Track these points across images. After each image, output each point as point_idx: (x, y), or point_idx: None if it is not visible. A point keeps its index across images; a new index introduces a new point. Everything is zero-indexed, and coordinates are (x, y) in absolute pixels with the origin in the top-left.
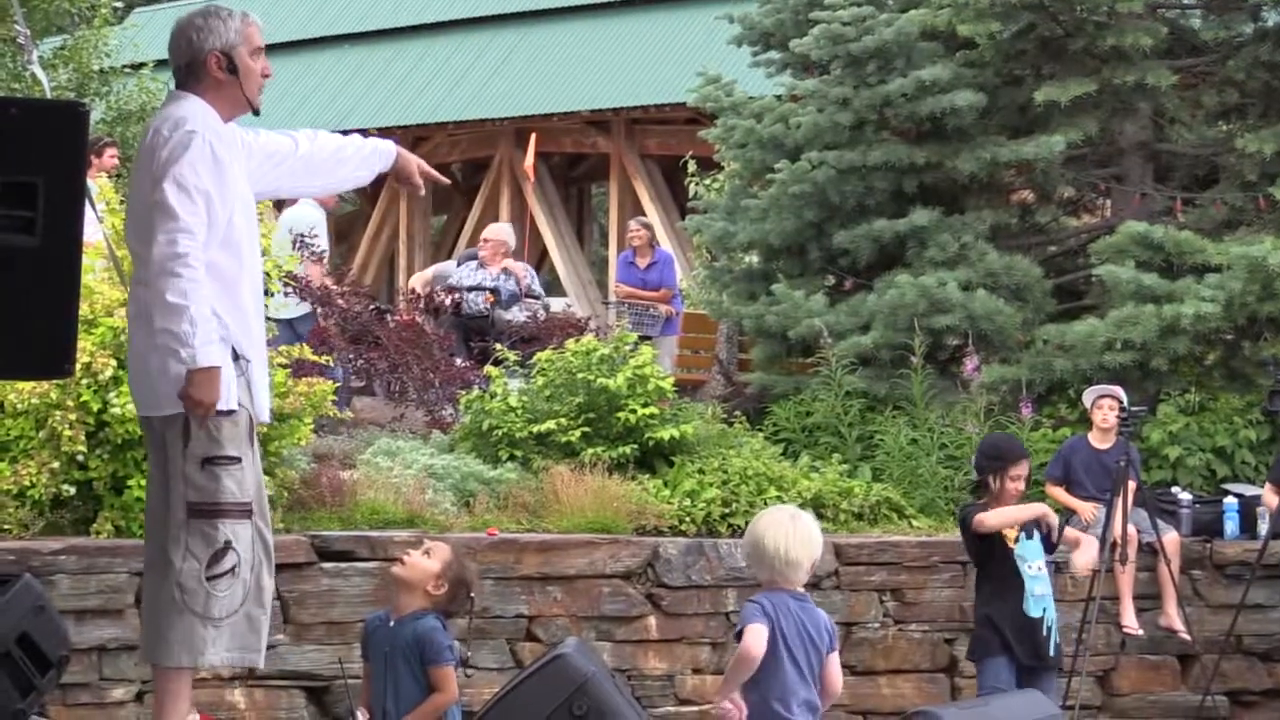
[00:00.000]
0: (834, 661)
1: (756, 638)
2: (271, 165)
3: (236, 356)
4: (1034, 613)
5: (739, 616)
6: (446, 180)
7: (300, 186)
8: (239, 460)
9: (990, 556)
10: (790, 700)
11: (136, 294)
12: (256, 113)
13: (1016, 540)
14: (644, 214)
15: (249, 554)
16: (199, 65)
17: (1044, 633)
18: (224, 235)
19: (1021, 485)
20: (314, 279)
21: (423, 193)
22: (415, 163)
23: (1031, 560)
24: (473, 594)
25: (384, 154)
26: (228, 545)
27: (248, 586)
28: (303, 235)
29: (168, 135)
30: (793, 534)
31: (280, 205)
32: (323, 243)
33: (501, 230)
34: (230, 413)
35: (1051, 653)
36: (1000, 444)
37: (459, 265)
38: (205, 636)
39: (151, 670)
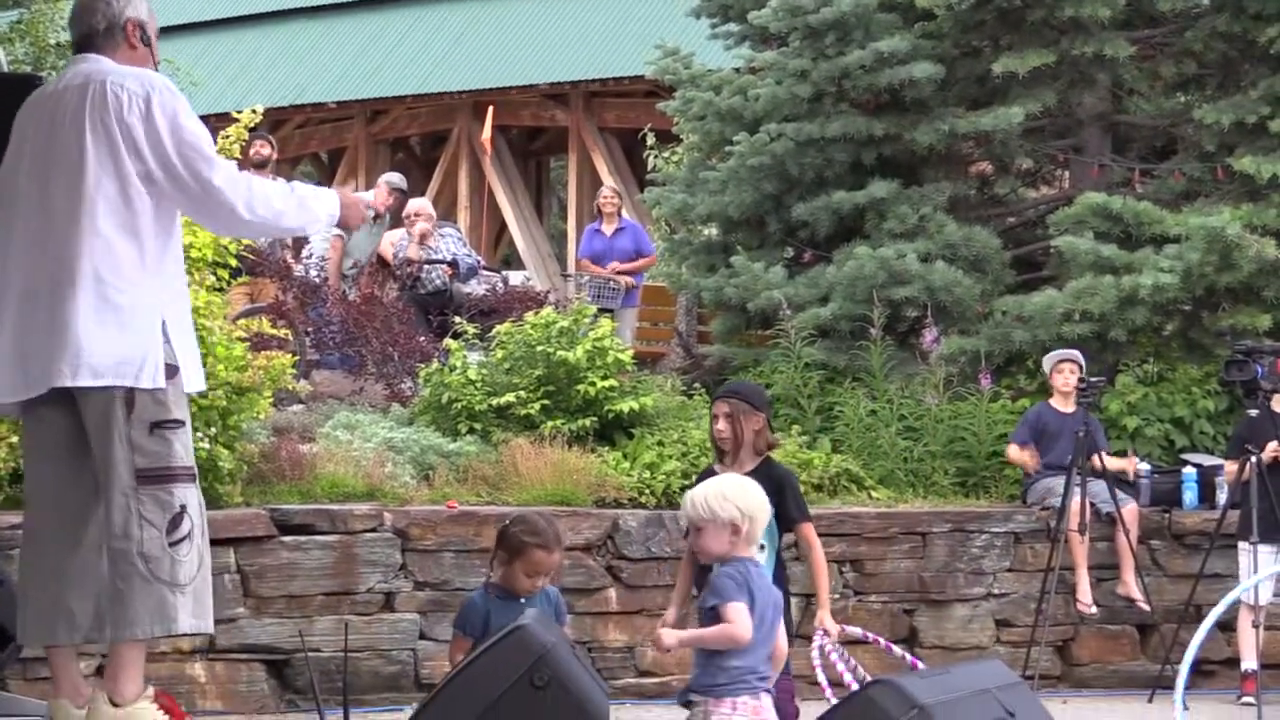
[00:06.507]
0: (782, 629)
1: (744, 619)
2: None
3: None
4: None
5: (711, 588)
6: None
7: None
8: (183, 424)
9: None
10: (761, 670)
11: (62, 261)
12: None
13: None
14: (602, 186)
15: (199, 519)
16: (116, 31)
17: None
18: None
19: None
20: None
21: None
22: None
23: None
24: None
25: None
26: (183, 510)
27: (201, 552)
28: None
29: (149, 89)
30: (754, 494)
31: None
32: None
33: (424, 204)
34: (173, 374)
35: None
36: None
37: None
38: (175, 604)
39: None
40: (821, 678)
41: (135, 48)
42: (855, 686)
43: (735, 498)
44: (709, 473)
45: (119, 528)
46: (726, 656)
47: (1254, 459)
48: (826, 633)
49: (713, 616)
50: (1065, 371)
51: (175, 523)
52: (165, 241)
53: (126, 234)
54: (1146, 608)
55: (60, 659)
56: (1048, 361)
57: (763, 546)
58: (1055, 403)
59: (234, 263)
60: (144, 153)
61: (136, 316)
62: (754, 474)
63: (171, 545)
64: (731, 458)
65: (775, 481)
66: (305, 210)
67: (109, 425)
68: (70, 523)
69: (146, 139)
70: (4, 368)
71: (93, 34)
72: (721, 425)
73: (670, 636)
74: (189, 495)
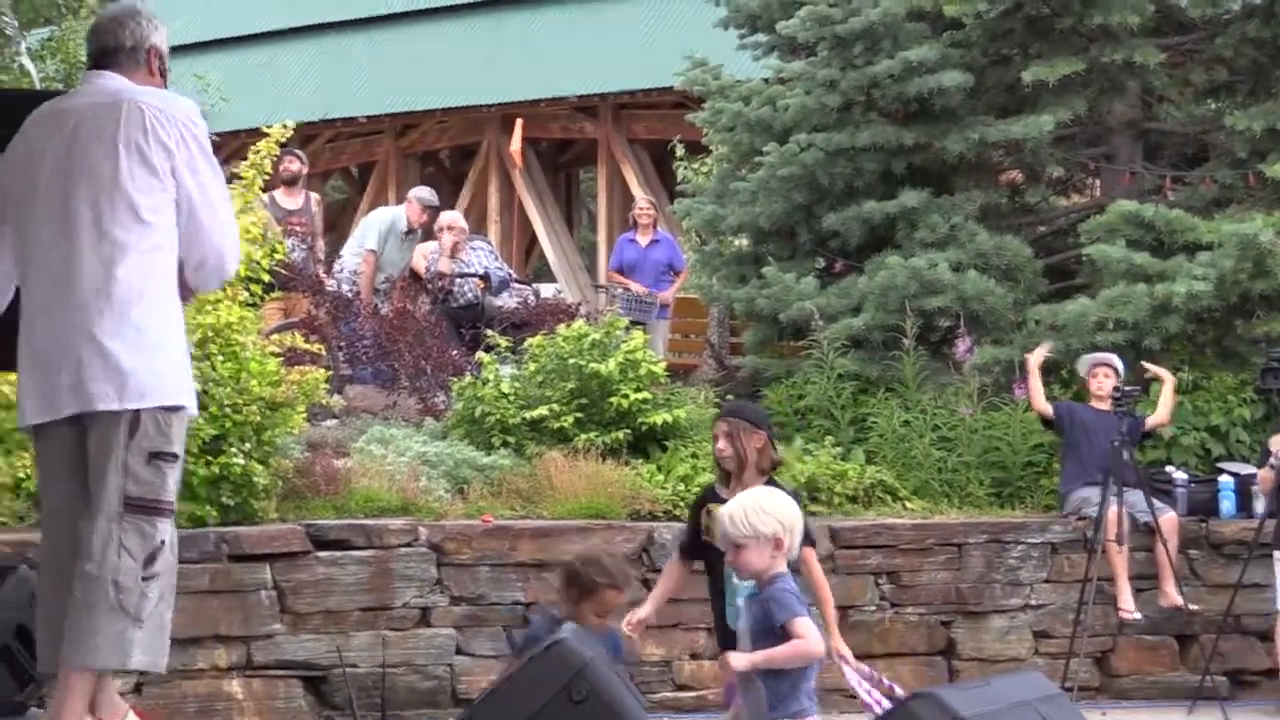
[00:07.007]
0: None
1: (815, 633)
2: None
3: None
4: (736, 625)
5: (776, 605)
6: None
7: None
8: (179, 459)
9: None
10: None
11: (95, 282)
12: None
13: None
14: (633, 199)
15: (173, 557)
16: (140, 52)
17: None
18: None
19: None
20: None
21: None
22: None
23: None
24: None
25: None
26: (162, 545)
27: (163, 590)
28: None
29: (189, 117)
30: (790, 505)
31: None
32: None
33: (456, 217)
34: (181, 409)
35: None
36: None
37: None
38: (132, 638)
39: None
40: (865, 696)
41: (153, 74)
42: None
43: (774, 510)
44: (710, 494)
45: (96, 552)
46: (803, 678)
47: None
48: (844, 658)
49: (781, 635)
50: (1100, 376)
51: (152, 558)
52: (175, 265)
53: (155, 254)
54: (1195, 607)
55: (74, 680)
56: (1083, 365)
57: None
58: (1093, 402)
59: (267, 278)
60: (181, 177)
61: (168, 338)
62: None
63: (144, 580)
64: (735, 478)
65: None
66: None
67: (109, 447)
68: (63, 547)
69: (187, 165)
70: (29, 388)
71: (117, 49)
72: (722, 445)
73: (740, 660)
74: (169, 532)
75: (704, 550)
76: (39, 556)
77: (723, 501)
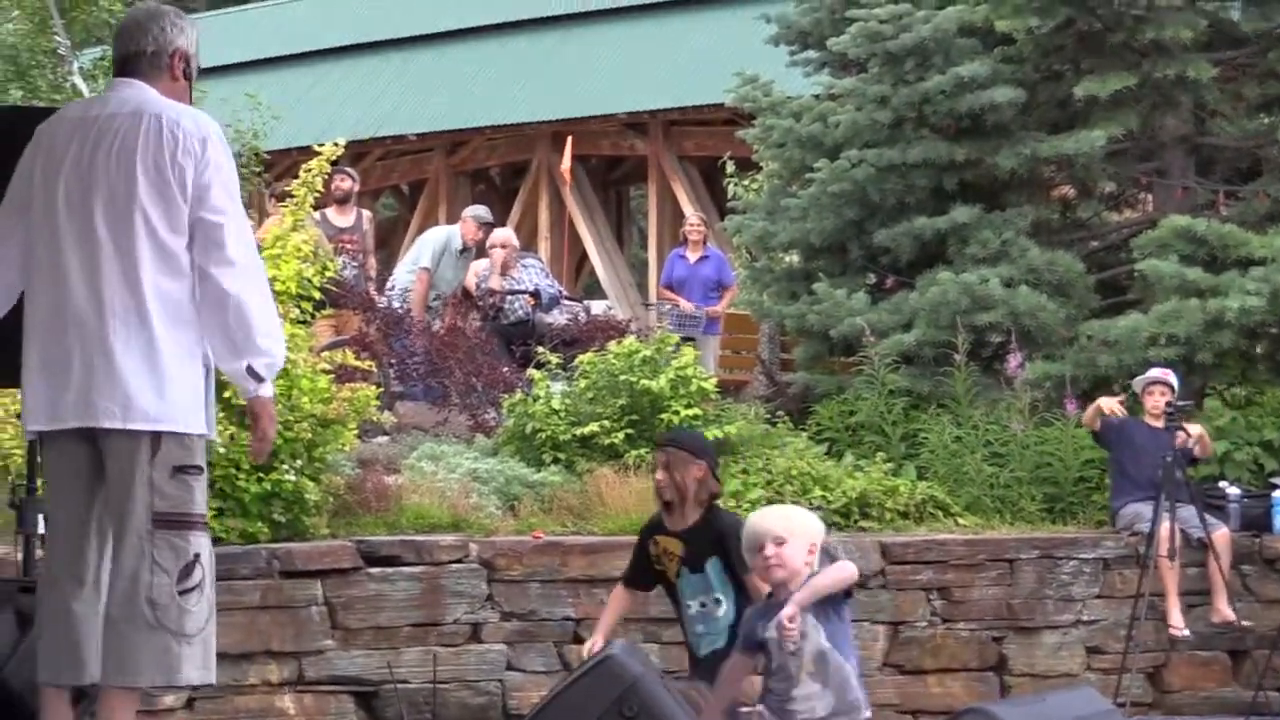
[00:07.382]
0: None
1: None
2: None
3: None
4: (701, 651)
5: (827, 555)
6: None
7: None
8: (204, 471)
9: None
10: None
11: (112, 298)
12: None
13: (678, 574)
14: (683, 216)
15: (210, 570)
16: (163, 57)
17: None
18: None
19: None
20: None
21: None
22: None
23: (691, 597)
24: None
25: None
26: (196, 558)
27: (211, 603)
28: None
29: (207, 135)
30: (819, 522)
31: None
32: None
33: (508, 234)
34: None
35: None
36: None
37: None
38: (180, 654)
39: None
40: None
41: (177, 79)
42: None
43: (808, 517)
44: (655, 525)
45: (128, 571)
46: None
47: None
48: None
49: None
50: (1155, 394)
51: (187, 571)
52: (190, 288)
53: (173, 275)
54: (1247, 622)
55: (54, 700)
56: (1138, 383)
57: (719, 600)
58: (1147, 419)
59: (318, 295)
60: (188, 195)
61: (185, 361)
62: (699, 526)
63: (181, 594)
64: (678, 509)
65: (718, 533)
66: (274, 343)
67: (133, 465)
68: (80, 559)
69: (193, 184)
70: (37, 393)
71: (139, 54)
72: (660, 475)
73: (791, 606)
74: (203, 544)
75: (655, 580)
76: (42, 567)
77: (669, 533)
